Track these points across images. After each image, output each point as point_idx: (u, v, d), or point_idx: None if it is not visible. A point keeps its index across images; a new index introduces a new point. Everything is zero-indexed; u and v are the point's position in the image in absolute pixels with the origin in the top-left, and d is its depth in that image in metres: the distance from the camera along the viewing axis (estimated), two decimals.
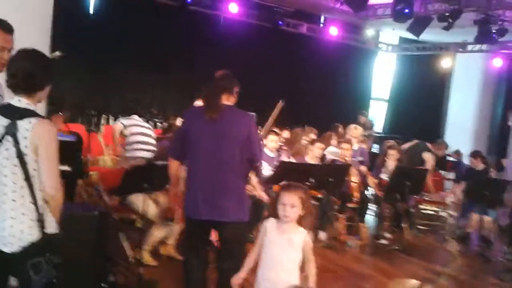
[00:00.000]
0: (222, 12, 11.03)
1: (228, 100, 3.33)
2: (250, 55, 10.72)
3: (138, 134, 5.83)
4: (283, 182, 2.25)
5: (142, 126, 5.96)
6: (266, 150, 5.77)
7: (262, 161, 3.66)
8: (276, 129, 6.71)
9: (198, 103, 5.42)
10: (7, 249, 2.15)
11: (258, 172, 3.68)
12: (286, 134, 7.36)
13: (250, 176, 3.59)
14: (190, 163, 3.35)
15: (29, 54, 2.25)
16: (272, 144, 5.93)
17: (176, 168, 3.47)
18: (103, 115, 9.74)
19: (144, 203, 4.49)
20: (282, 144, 6.49)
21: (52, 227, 2.27)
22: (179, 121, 6.05)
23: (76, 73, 9.88)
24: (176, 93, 11.90)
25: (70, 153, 4.75)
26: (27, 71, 2.19)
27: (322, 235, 5.95)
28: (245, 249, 3.36)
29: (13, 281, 2.32)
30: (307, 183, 5.62)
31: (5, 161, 2.16)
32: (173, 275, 4.27)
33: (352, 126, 7.55)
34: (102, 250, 4.05)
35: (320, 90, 12.20)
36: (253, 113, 3.66)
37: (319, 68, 12.08)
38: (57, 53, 3.91)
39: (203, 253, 3.46)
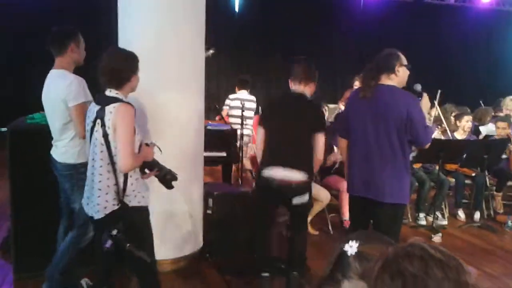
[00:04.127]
0: None
1: (389, 79, 3.11)
2: (390, 32, 10.35)
3: (236, 108, 6.21)
4: None
5: (243, 100, 6.23)
6: None
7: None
8: None
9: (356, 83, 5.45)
10: (95, 216, 2.55)
11: None
12: (433, 111, 7.06)
13: None
14: (350, 144, 3.36)
15: (110, 53, 2.58)
16: None
17: (346, 147, 3.44)
18: None
19: None
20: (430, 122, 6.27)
21: (130, 201, 2.54)
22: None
23: (223, 69, 10.67)
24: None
25: (227, 141, 5.26)
26: (111, 67, 2.52)
27: (477, 215, 5.67)
28: (398, 233, 3.20)
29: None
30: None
31: (96, 141, 2.50)
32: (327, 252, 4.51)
33: (508, 98, 6.88)
34: (258, 225, 4.43)
35: (470, 64, 11.36)
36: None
37: (468, 41, 11.25)
38: (211, 51, 4.32)
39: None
